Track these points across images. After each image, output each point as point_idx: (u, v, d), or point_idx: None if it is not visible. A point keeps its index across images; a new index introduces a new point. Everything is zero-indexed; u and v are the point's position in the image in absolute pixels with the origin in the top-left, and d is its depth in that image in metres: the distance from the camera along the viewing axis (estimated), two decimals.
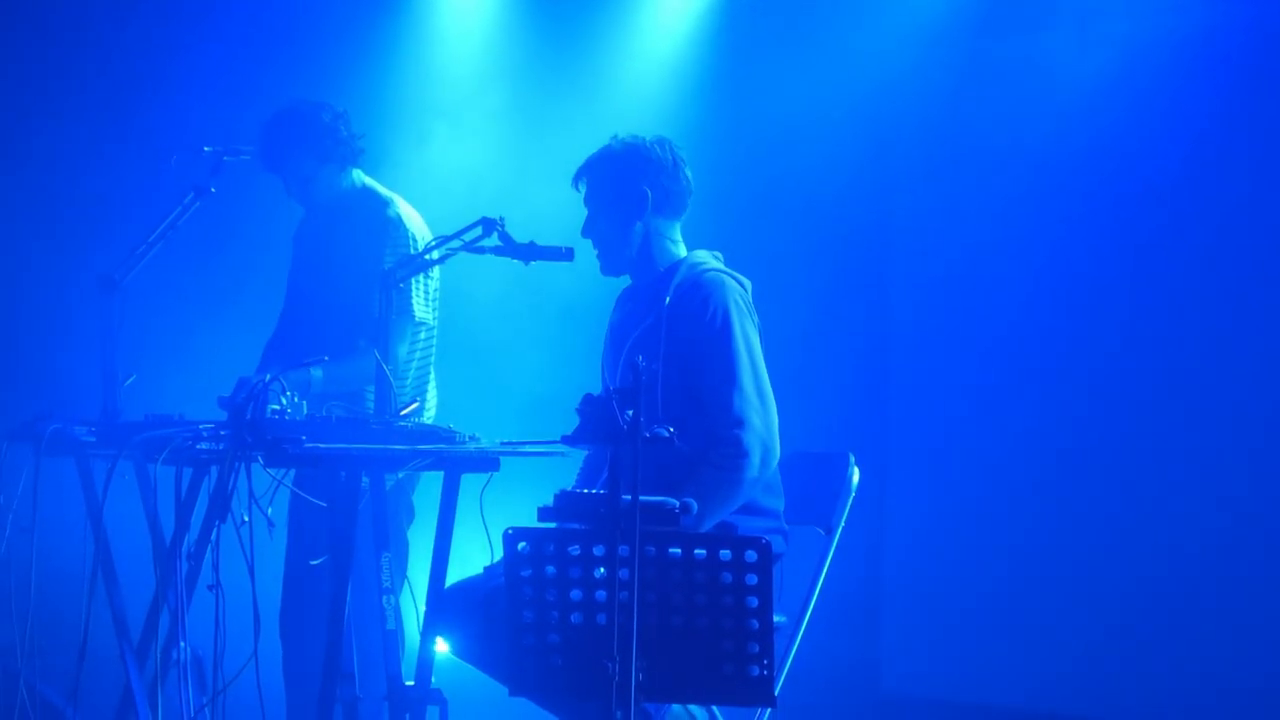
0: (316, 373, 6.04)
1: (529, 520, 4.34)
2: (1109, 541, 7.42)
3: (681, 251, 5.45)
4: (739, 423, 5.07)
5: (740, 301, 5.24)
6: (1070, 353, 7.59)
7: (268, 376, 5.18)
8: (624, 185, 5.39)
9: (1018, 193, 7.74)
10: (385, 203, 6.45)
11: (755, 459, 5.06)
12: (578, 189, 5.49)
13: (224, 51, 8.27)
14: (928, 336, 8.06)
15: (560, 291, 7.70)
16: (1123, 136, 7.45)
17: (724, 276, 5.29)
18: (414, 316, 6.28)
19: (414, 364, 6.36)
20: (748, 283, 5.37)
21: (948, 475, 7.93)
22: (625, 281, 5.57)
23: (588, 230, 5.47)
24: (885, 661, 8.11)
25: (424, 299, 6.31)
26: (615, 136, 5.48)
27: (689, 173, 5.47)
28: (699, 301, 5.21)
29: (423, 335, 6.37)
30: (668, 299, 5.26)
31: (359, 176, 6.55)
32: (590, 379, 5.61)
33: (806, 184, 8.11)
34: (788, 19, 8.23)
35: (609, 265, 5.49)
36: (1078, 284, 7.56)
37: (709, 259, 5.40)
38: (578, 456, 5.46)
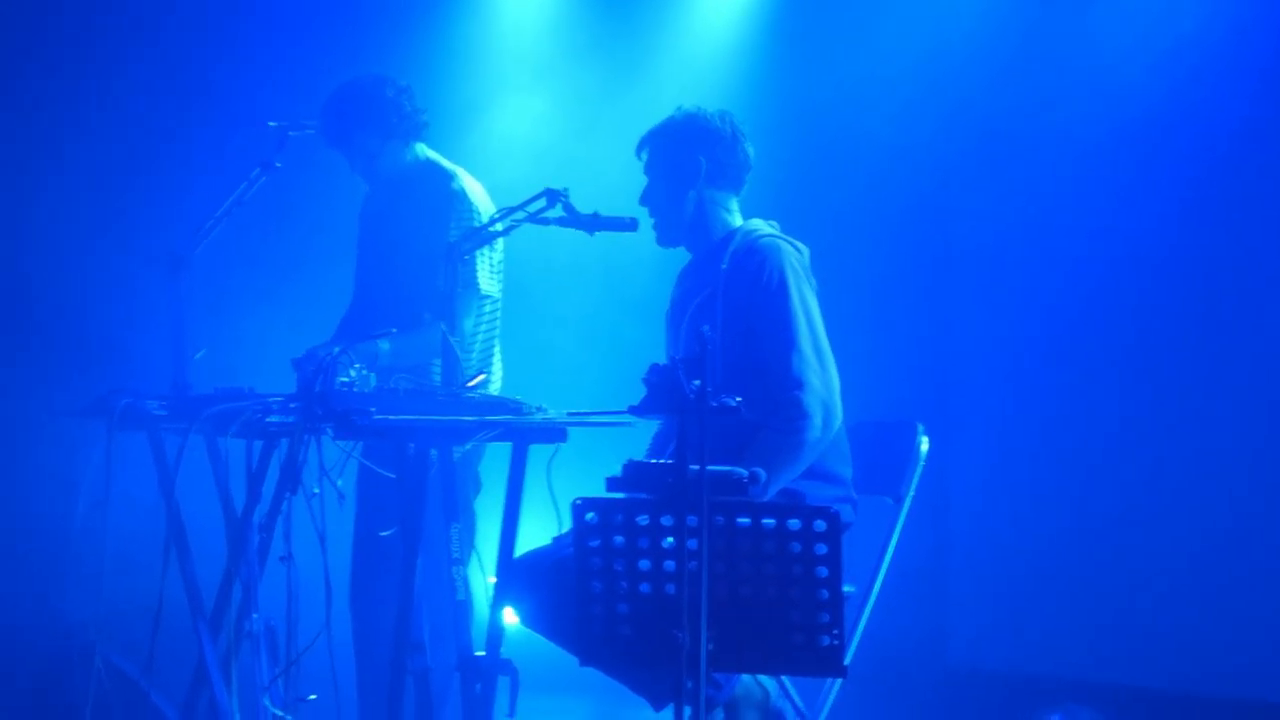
0: (384, 345, 6.06)
1: (597, 490, 4.35)
2: (1179, 510, 7.37)
3: (737, 221, 5.48)
4: (798, 384, 5.08)
5: (796, 265, 5.25)
6: (1138, 319, 7.54)
7: (336, 349, 5.21)
8: (680, 154, 5.46)
9: (1082, 160, 7.69)
10: (449, 176, 6.46)
11: (816, 420, 5.07)
12: (640, 158, 5.55)
13: (289, 27, 8.29)
14: (993, 305, 8.03)
15: (625, 262, 7.71)
16: (1188, 104, 7.39)
17: (779, 241, 5.32)
18: (479, 289, 6.29)
19: (479, 336, 6.37)
20: (805, 248, 5.38)
21: (1015, 444, 7.90)
22: (686, 255, 5.59)
23: (645, 198, 5.54)
24: (953, 631, 8.09)
25: (489, 271, 6.33)
26: (679, 107, 5.52)
27: (749, 147, 5.52)
28: (755, 266, 5.24)
29: (488, 308, 6.39)
30: (724, 264, 5.28)
31: (422, 150, 6.56)
32: (657, 349, 5.63)
33: (868, 155, 8.09)
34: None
35: (663, 235, 5.53)
36: (1144, 251, 7.50)
37: (764, 226, 5.43)
38: (645, 427, 5.45)
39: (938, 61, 8.03)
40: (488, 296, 6.36)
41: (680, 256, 5.63)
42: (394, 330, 5.93)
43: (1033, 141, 7.87)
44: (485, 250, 6.26)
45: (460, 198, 6.37)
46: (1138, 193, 7.52)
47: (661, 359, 5.45)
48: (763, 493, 4.80)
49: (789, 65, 8.35)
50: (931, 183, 8.19)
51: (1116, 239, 7.59)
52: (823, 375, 5.13)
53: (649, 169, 5.53)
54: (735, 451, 4.95)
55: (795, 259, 5.27)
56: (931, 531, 7.86)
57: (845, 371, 5.27)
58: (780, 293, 5.18)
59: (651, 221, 5.53)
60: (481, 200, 6.41)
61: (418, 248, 6.30)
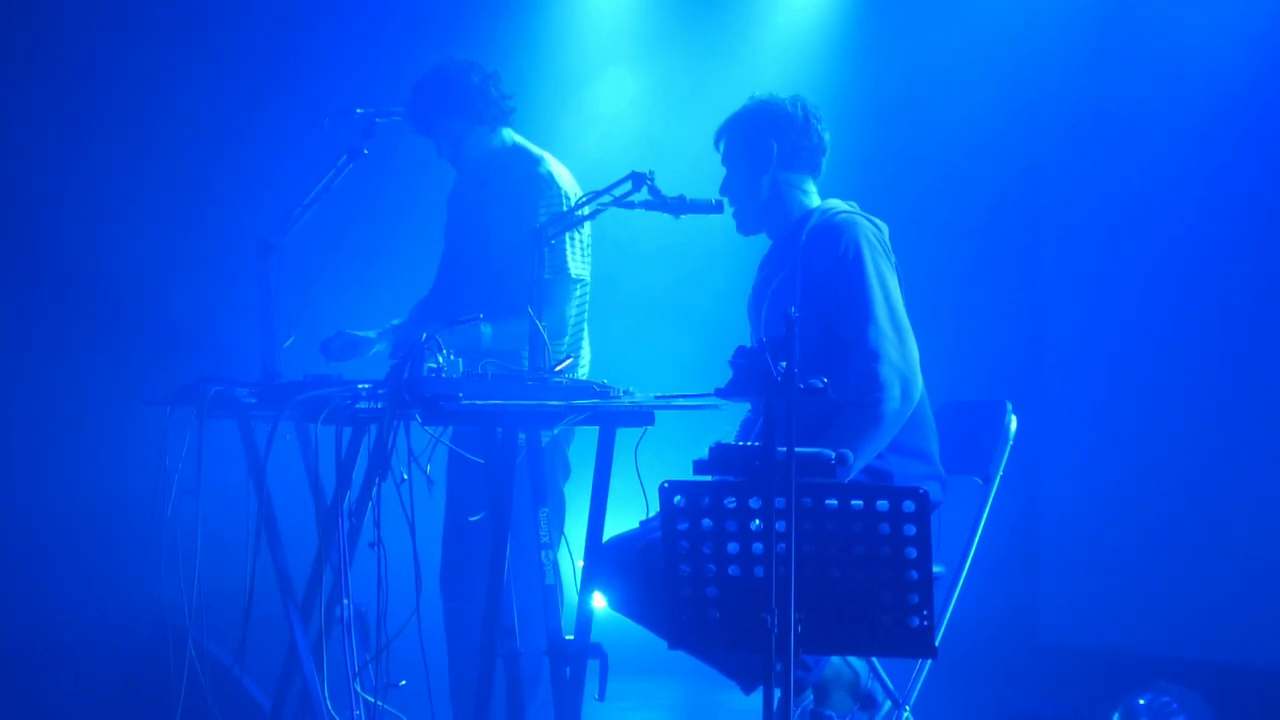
0: (486, 329, 6.08)
1: (684, 474, 4.34)
2: (1271, 488, 7.32)
3: (815, 202, 5.50)
4: (875, 356, 5.08)
5: (874, 239, 5.25)
6: (1234, 299, 7.49)
7: (424, 335, 5.22)
8: (752, 140, 5.50)
9: (1177, 140, 7.64)
10: (536, 160, 6.46)
11: (894, 391, 5.06)
12: (718, 149, 5.59)
13: (377, 12, 8.32)
14: (1086, 284, 7.99)
15: (712, 244, 7.70)
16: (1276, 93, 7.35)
17: (856, 217, 5.33)
18: (569, 274, 6.30)
19: (570, 321, 6.38)
20: (883, 225, 5.38)
21: (1104, 422, 7.86)
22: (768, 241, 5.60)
23: (724, 188, 5.58)
24: (1044, 611, 8.06)
25: (579, 255, 6.33)
26: (752, 95, 5.57)
27: (823, 130, 5.54)
28: (830, 242, 5.25)
29: (578, 292, 6.39)
30: (801, 240, 5.28)
31: (509, 135, 6.56)
32: (744, 331, 5.62)
33: (963, 136, 8.08)
34: None
35: (742, 222, 5.56)
36: (1240, 233, 7.45)
37: (841, 205, 5.44)
38: (732, 410, 5.44)
39: (1027, 43, 8.02)
40: (579, 280, 6.36)
41: (764, 241, 5.63)
42: (480, 316, 5.93)
43: (1127, 121, 7.83)
44: (574, 234, 6.27)
45: (548, 181, 6.37)
46: (1235, 174, 7.46)
47: (747, 341, 5.46)
48: (849, 471, 4.78)
49: (881, 48, 8.36)
50: (1024, 163, 8.17)
51: (1212, 220, 7.54)
52: (900, 347, 5.12)
53: (725, 158, 5.57)
54: (818, 430, 4.93)
55: (872, 234, 5.27)
56: (1023, 511, 7.83)
57: (937, 351, 5.26)
58: (856, 266, 5.18)
59: (732, 210, 5.55)
60: (569, 184, 6.41)
61: (508, 233, 6.29)
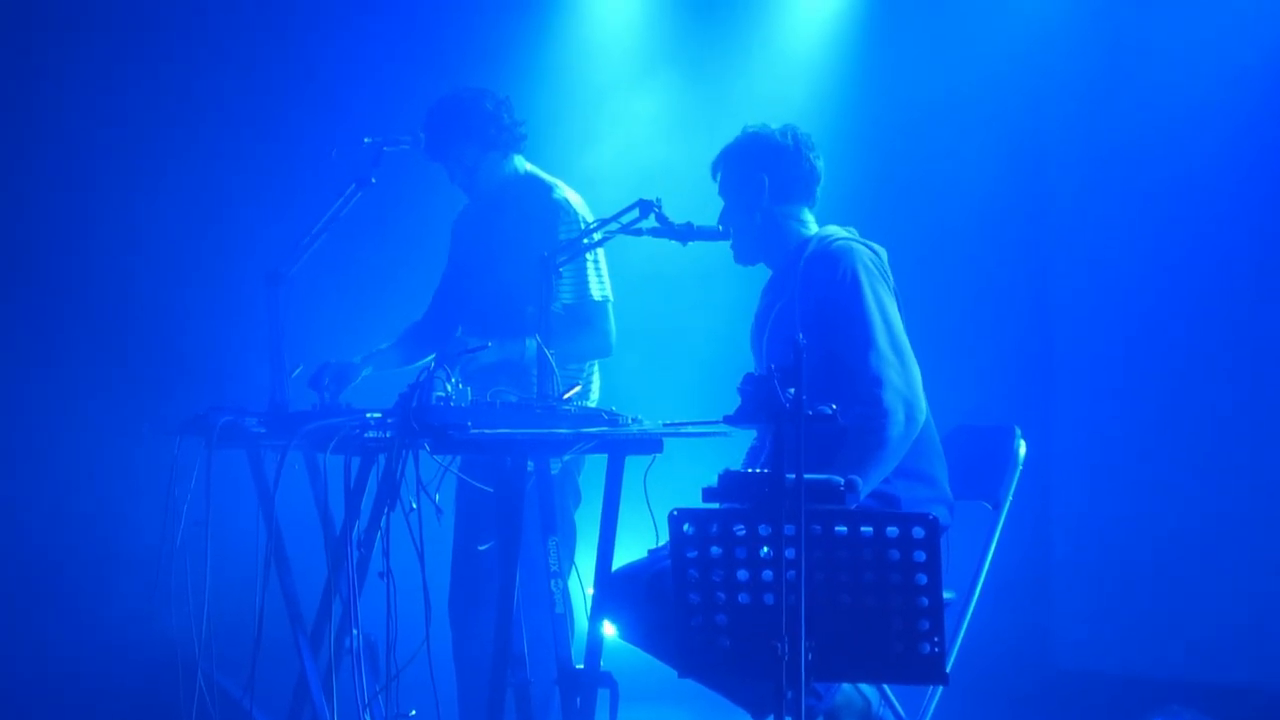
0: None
1: (693, 501, 4.33)
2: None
3: (812, 230, 5.51)
4: (877, 381, 5.08)
5: (870, 265, 5.26)
6: (1242, 322, 7.48)
7: (431, 364, 5.22)
8: (744, 174, 5.52)
9: (1186, 163, 7.64)
10: (550, 187, 6.48)
11: (899, 416, 5.06)
12: (715, 180, 5.62)
13: (384, 42, 8.34)
14: (1090, 309, 7.99)
15: (719, 271, 7.69)
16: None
17: (852, 244, 5.33)
18: (593, 297, 6.32)
19: (611, 339, 6.42)
20: (881, 250, 5.39)
21: (1114, 447, 7.85)
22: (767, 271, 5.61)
23: (722, 219, 5.60)
24: (1056, 635, 8.05)
25: (602, 278, 6.36)
26: (745, 127, 5.58)
27: (815, 158, 5.54)
28: (828, 268, 5.26)
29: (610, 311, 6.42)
30: (800, 267, 5.28)
31: (521, 163, 6.57)
32: (750, 359, 5.61)
33: (970, 160, 8.08)
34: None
35: (739, 253, 5.60)
36: (1250, 255, 7.45)
37: (839, 231, 5.44)
38: (741, 437, 5.45)
39: (1034, 63, 8.01)
40: (606, 300, 6.38)
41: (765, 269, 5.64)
42: (490, 344, 5.94)
43: (1135, 144, 7.82)
44: (593, 258, 6.29)
45: (565, 207, 6.39)
46: (1242, 197, 7.46)
47: (754, 369, 5.46)
48: (858, 497, 4.77)
49: (888, 70, 8.36)
50: (1032, 186, 8.17)
51: (1219, 242, 7.53)
52: (902, 371, 5.12)
53: (721, 191, 5.61)
54: (825, 456, 4.93)
55: (869, 259, 5.28)
56: (1033, 536, 7.82)
57: (945, 376, 5.26)
58: (854, 292, 5.18)
59: (730, 241, 5.56)
60: (583, 210, 6.43)
61: (523, 259, 6.28)
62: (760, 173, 5.47)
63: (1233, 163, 7.47)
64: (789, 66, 8.53)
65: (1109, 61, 7.88)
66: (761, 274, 5.67)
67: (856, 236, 5.41)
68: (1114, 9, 7.83)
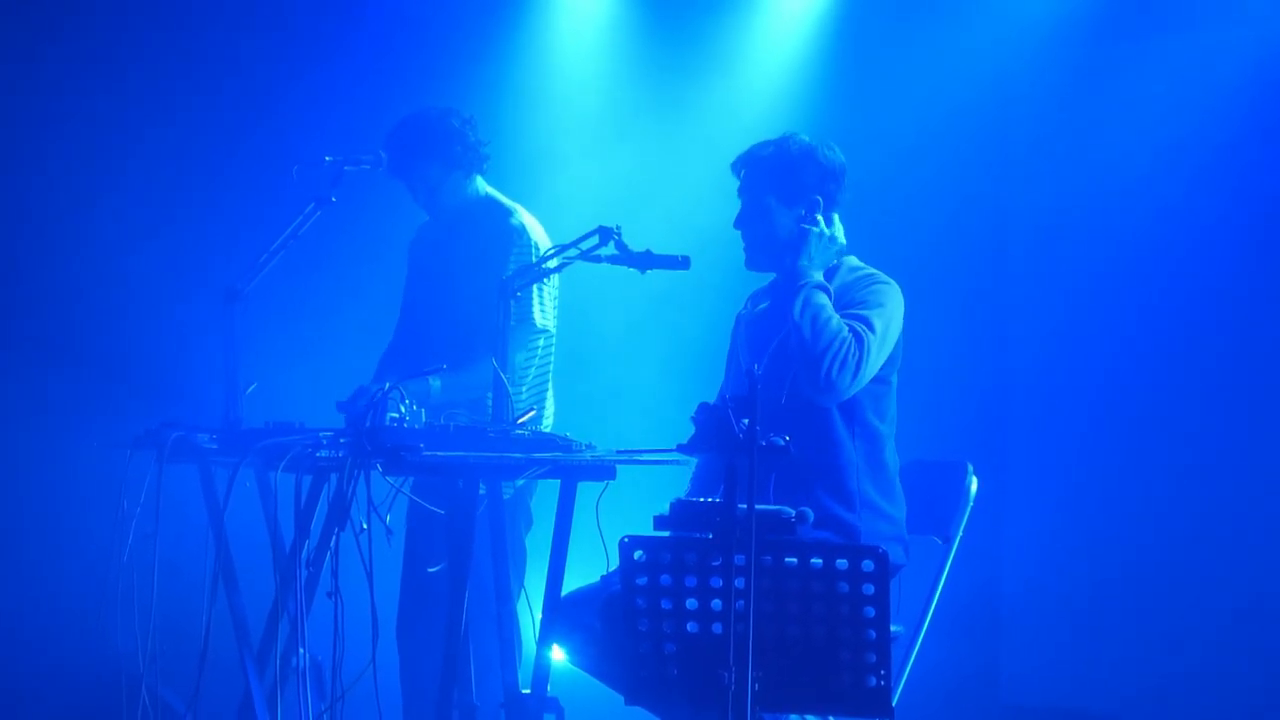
0: (435, 382, 6.07)
1: (645, 528, 4.33)
2: (1232, 551, 7.33)
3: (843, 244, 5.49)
4: (870, 330, 5.17)
5: (899, 298, 5.36)
6: (1190, 362, 7.51)
7: (386, 385, 5.21)
8: (796, 189, 5.42)
9: (1139, 199, 7.67)
10: (508, 211, 6.47)
11: (856, 365, 5.12)
12: (736, 175, 5.50)
13: (346, 62, 8.32)
14: (1046, 345, 8.01)
15: (677, 299, 7.71)
16: (1247, 137, 7.37)
17: (889, 280, 5.41)
18: (534, 324, 6.30)
19: (532, 371, 6.38)
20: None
21: (1066, 484, 7.87)
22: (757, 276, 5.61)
23: (743, 223, 5.48)
24: (1004, 672, 8.05)
25: (544, 307, 6.33)
26: (789, 136, 5.49)
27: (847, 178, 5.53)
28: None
29: (541, 343, 6.39)
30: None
31: (482, 186, 6.57)
32: (705, 388, 5.61)
33: (924, 191, 8.08)
34: (903, 28, 8.21)
35: (755, 260, 5.50)
36: (1199, 293, 7.48)
37: (861, 264, 5.50)
38: (694, 464, 5.46)
39: (995, 97, 8.03)
40: (543, 331, 6.36)
41: (736, 286, 5.62)
42: (445, 366, 5.94)
43: (1092, 186, 7.84)
44: (540, 285, 6.27)
45: (520, 233, 6.38)
46: (1206, 236, 7.48)
47: (713, 392, 5.47)
48: (808, 528, 4.72)
49: (848, 101, 8.34)
50: (988, 223, 8.17)
51: (1181, 283, 7.55)
52: (877, 351, 5.18)
53: (749, 194, 5.47)
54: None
55: (900, 295, 5.36)
56: (983, 571, 7.82)
57: (900, 410, 5.27)
58: (880, 295, 5.30)
59: (743, 244, 5.49)
60: (540, 236, 6.42)
61: (476, 283, 6.29)
62: (814, 194, 5.41)
63: (1192, 206, 7.49)
64: (749, 101, 8.52)
65: (1075, 92, 7.90)
66: (726, 296, 5.64)
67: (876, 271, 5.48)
68: (1080, 35, 7.86)
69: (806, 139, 5.47)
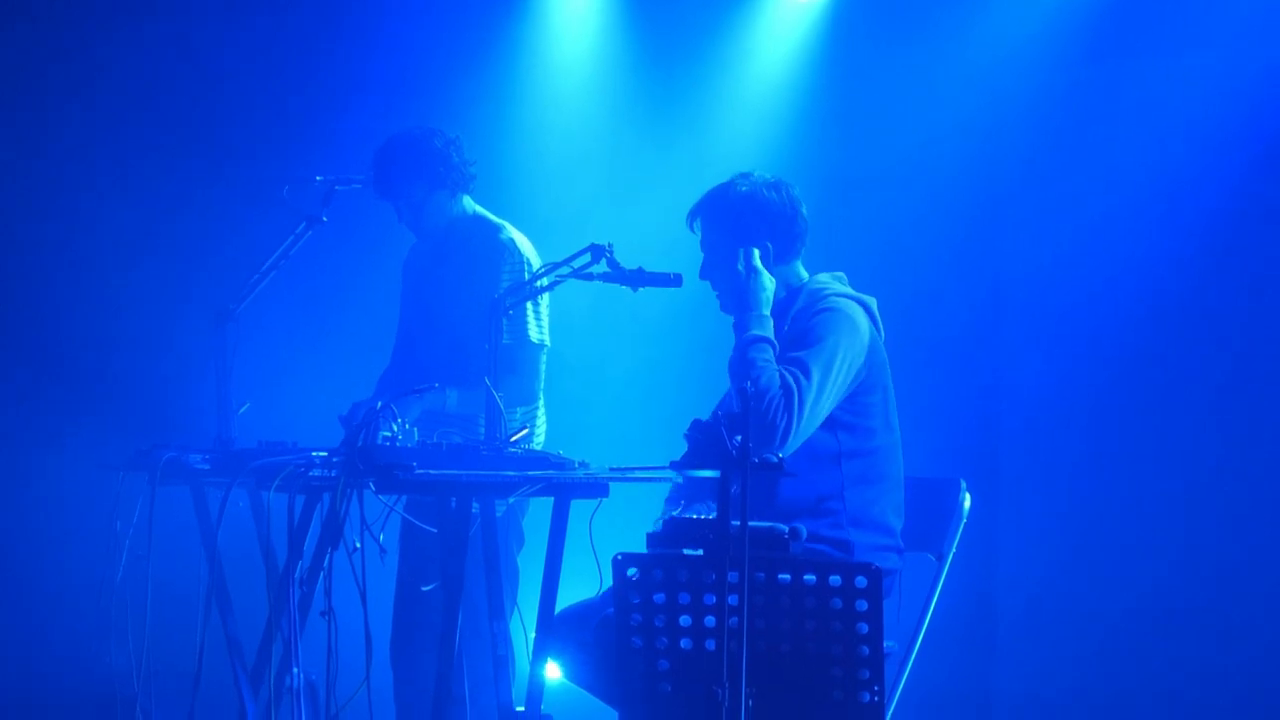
0: (451, 394, 6.06)
1: (638, 546, 4.34)
2: (1224, 568, 7.33)
3: (802, 276, 5.39)
4: (804, 374, 4.97)
5: (850, 322, 5.13)
6: (1182, 379, 7.52)
7: (379, 404, 5.21)
8: (740, 236, 5.28)
9: (1133, 217, 7.68)
10: (497, 228, 6.47)
11: (791, 420, 4.92)
12: (693, 230, 5.40)
13: (337, 83, 8.33)
14: (1040, 362, 8.01)
15: (669, 317, 7.71)
16: (1240, 151, 7.38)
17: (840, 301, 5.19)
18: (530, 340, 6.30)
19: (540, 386, 6.39)
20: (871, 300, 5.28)
21: (1060, 501, 7.87)
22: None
23: (706, 274, 5.38)
24: (997, 688, 8.05)
25: (539, 322, 6.34)
26: (735, 181, 5.36)
27: (804, 211, 5.36)
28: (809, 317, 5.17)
29: (542, 358, 6.39)
30: (786, 327, 5.21)
31: (469, 204, 6.57)
32: (699, 404, 5.60)
33: (916, 206, 8.10)
34: (897, 39, 8.23)
35: (725, 306, 5.36)
36: (1193, 312, 7.48)
37: (830, 283, 5.32)
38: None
39: (987, 112, 8.04)
40: (540, 346, 6.36)
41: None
42: (438, 385, 5.93)
43: (1086, 204, 7.85)
44: (533, 301, 6.27)
45: (511, 249, 6.37)
46: (1190, 251, 7.49)
47: (706, 409, 5.44)
48: (801, 545, 4.67)
49: (839, 120, 8.36)
50: (980, 240, 8.18)
51: (1171, 299, 7.55)
52: (814, 404, 4.98)
53: (707, 246, 5.36)
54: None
55: (858, 314, 5.17)
56: (977, 588, 7.82)
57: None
58: (822, 327, 5.11)
59: (715, 292, 5.37)
60: (529, 251, 6.42)
61: (470, 300, 6.28)
62: (763, 240, 5.26)
63: (1188, 225, 7.50)
64: (742, 117, 8.53)
65: (1068, 114, 7.91)
66: (717, 317, 5.61)
67: (845, 288, 5.32)
68: (1072, 53, 7.88)
69: (750, 185, 5.32)
